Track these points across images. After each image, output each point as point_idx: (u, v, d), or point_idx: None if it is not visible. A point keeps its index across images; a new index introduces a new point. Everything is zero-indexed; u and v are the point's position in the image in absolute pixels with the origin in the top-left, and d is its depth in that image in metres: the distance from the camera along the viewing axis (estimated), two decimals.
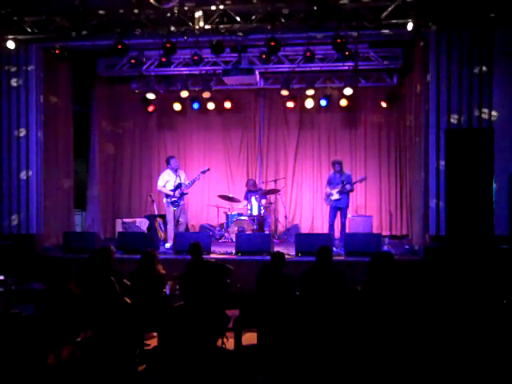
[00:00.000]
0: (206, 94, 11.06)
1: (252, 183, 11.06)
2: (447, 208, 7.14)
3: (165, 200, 9.42)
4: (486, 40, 7.95)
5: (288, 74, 10.74)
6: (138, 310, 4.89)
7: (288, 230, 11.09)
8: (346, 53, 8.50)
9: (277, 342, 4.63)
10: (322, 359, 4.39)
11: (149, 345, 5.50)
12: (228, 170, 12.24)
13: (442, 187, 7.73)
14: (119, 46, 8.30)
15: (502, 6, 7.63)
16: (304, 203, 11.96)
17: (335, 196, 9.25)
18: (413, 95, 9.68)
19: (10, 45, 8.56)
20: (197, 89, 11.19)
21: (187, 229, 10.20)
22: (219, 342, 5.39)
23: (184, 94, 10.98)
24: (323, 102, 11.09)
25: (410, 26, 7.76)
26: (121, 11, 8.23)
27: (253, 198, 10.46)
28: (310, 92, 10.69)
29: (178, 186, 9.25)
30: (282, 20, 8.13)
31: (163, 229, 9.78)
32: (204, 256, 6.59)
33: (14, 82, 9.07)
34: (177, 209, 9.22)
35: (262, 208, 10.45)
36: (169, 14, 8.21)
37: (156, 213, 10.21)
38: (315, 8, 7.47)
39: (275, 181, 11.37)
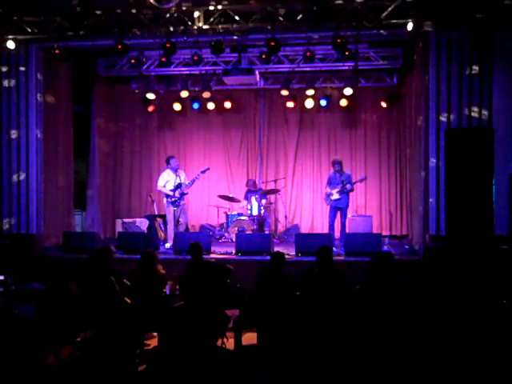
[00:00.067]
0: (206, 94, 11.06)
1: (252, 183, 11.06)
2: (447, 208, 7.14)
3: (165, 200, 9.42)
4: (486, 40, 7.95)
5: (288, 74, 10.74)
6: (138, 310, 4.89)
7: (288, 230, 11.09)
8: (346, 53, 8.50)
9: (277, 341, 4.63)
10: (322, 359, 4.39)
11: (149, 345, 5.50)
12: (228, 170, 12.24)
13: (442, 187, 7.73)
14: (119, 46, 8.29)
15: (502, 6, 7.62)
16: (304, 203, 11.97)
17: (335, 196, 9.25)
18: (413, 95, 9.68)
19: (10, 45, 8.57)
20: (197, 89, 11.19)
21: (187, 229, 10.20)
22: (219, 342, 5.39)
23: (184, 94, 10.98)
24: (323, 102, 11.10)
25: (409, 26, 7.76)
26: (120, 11, 8.25)
27: (253, 198, 10.46)
28: (310, 92, 10.69)
29: (178, 186, 9.25)
30: (282, 20, 8.13)
31: (163, 229, 9.78)
32: (204, 256, 6.59)
33: (13, 82, 9.07)
34: (177, 209, 9.22)
35: (262, 208, 10.45)
36: (168, 14, 8.22)
37: (156, 213, 10.21)
38: (315, 8, 7.47)
39: (275, 181, 11.38)
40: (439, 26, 8.00)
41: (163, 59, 9.50)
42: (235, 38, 8.52)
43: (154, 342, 5.49)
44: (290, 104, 11.24)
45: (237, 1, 8.09)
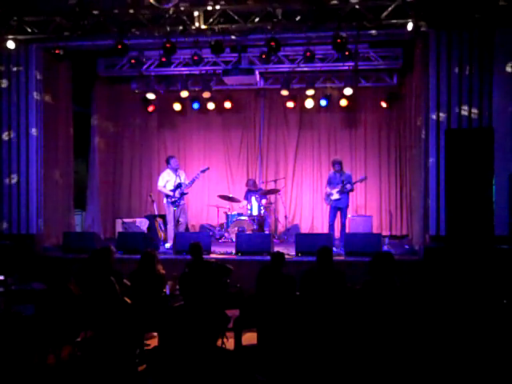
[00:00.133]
0: (206, 94, 11.06)
1: (252, 183, 11.05)
2: (447, 208, 7.14)
3: (165, 200, 9.42)
4: (486, 40, 7.95)
5: (288, 74, 10.74)
6: (138, 310, 4.89)
7: (288, 230, 11.09)
8: (346, 53, 8.50)
9: (277, 342, 4.63)
10: (322, 359, 4.39)
11: (149, 345, 5.50)
12: (228, 170, 12.24)
13: (442, 187, 7.73)
14: (119, 46, 8.29)
15: (502, 6, 7.62)
16: (304, 203, 11.96)
17: (335, 196, 9.25)
18: (413, 95, 9.68)
19: (10, 45, 8.57)
20: (197, 89, 11.19)
21: (187, 229, 10.21)
22: (219, 342, 5.39)
23: (184, 94, 10.98)
24: (323, 102, 11.10)
25: (409, 26, 7.76)
26: (118, 11, 8.24)
27: (253, 198, 10.46)
28: (310, 92, 10.69)
29: (178, 186, 9.25)
30: (282, 20, 8.12)
31: (163, 229, 9.78)
32: (204, 256, 6.59)
33: (13, 82, 9.06)
34: (177, 209, 9.22)
35: (262, 208, 10.45)
36: (168, 15, 8.21)
37: (156, 213, 10.21)
38: (314, 8, 7.47)
39: (275, 181, 11.38)
40: (439, 26, 8.00)
41: (163, 59, 9.49)
42: (235, 38, 8.52)
43: (154, 342, 5.49)
44: (290, 104, 11.24)
45: (236, 1, 8.09)
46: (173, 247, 8.72)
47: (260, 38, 8.41)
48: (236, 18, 8.21)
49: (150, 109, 11.55)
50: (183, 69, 10.72)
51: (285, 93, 10.89)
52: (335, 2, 7.80)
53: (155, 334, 5.60)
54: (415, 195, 9.46)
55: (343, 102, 10.93)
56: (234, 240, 8.95)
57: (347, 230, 9.76)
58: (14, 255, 8.48)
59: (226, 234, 10.51)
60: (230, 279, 6.45)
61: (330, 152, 11.75)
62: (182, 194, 9.31)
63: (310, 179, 11.97)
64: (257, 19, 8.17)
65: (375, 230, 10.58)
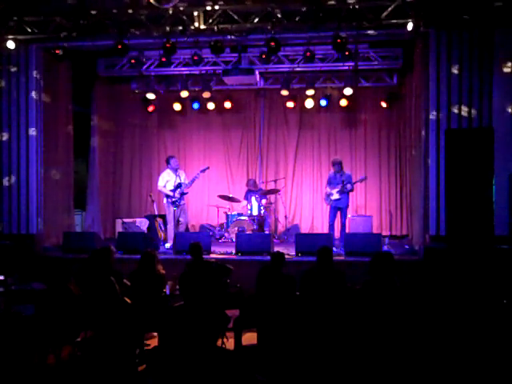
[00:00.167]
0: (206, 94, 11.06)
1: (252, 183, 11.05)
2: (447, 208, 7.13)
3: (165, 200, 9.42)
4: (486, 40, 7.95)
5: (288, 74, 10.74)
6: (138, 310, 4.89)
7: (288, 230, 11.09)
8: (346, 53, 8.51)
9: (277, 341, 4.63)
10: (322, 359, 4.39)
11: (149, 345, 5.50)
12: (228, 170, 12.24)
13: (442, 187, 7.73)
14: (119, 46, 8.30)
15: (501, 6, 7.62)
16: (304, 203, 11.96)
17: (335, 196, 9.25)
18: (413, 95, 9.68)
19: (10, 45, 8.57)
20: (197, 89, 11.19)
21: (187, 229, 10.21)
22: (219, 342, 5.39)
23: (184, 94, 10.99)
24: (323, 102, 11.10)
25: (409, 26, 7.76)
26: (119, 11, 8.24)
27: (253, 198, 10.46)
28: (310, 92, 10.69)
29: (178, 186, 9.25)
30: (282, 20, 8.13)
31: (163, 229, 9.78)
32: (204, 256, 6.59)
33: (13, 82, 9.07)
34: (177, 209, 9.22)
35: (262, 208, 10.45)
36: (168, 15, 8.21)
37: (156, 213, 10.21)
38: (314, 8, 7.48)
39: (275, 181, 11.38)
40: (439, 26, 8.00)
41: (163, 59, 9.50)
42: (235, 38, 8.52)
43: (154, 342, 5.49)
44: (290, 104, 11.24)
45: (236, 1, 8.09)
46: (173, 247, 8.72)
47: (260, 38, 8.42)
48: (236, 18, 8.21)
49: (150, 109, 11.55)
50: (183, 69, 10.73)
51: (285, 93, 10.89)
52: (335, 2, 7.81)
53: (155, 334, 5.60)
54: (415, 195, 9.46)
55: (343, 102, 10.93)
56: (233, 240, 8.94)
57: (347, 230, 9.75)
58: (14, 255, 8.49)
59: (226, 234, 10.51)
60: (230, 279, 6.45)
61: (330, 152, 11.75)
62: (182, 194, 9.31)
63: (309, 179, 11.97)
64: (256, 19, 8.18)
65: (375, 230, 10.58)
